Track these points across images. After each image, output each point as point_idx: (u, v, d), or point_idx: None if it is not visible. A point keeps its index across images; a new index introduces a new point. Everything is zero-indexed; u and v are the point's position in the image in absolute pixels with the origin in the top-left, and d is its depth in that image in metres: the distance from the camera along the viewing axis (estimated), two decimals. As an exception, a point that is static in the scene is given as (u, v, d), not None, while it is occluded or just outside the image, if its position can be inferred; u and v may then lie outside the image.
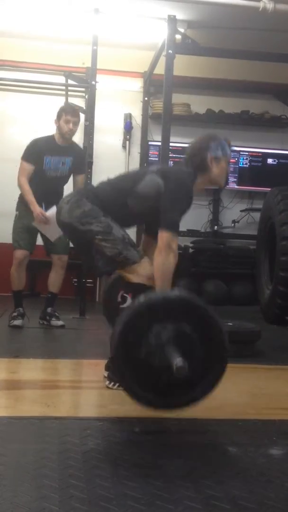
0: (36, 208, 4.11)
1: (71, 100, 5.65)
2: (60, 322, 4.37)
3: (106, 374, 2.78)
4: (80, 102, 5.98)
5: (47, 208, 4.11)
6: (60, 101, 5.68)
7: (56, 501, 1.59)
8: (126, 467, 1.86)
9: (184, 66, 5.42)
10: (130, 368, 2.20)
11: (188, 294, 2.39)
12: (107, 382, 2.74)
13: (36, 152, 4.22)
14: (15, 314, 4.29)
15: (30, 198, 4.15)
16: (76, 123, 4.26)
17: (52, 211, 3.96)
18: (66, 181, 4.37)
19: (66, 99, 5.55)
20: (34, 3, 5.11)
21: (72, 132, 4.24)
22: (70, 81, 5.63)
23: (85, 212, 2.60)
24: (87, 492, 1.66)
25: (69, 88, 5.62)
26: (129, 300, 2.64)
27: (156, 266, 2.51)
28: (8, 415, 2.31)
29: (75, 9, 5.15)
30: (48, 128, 6.08)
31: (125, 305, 2.67)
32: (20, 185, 4.21)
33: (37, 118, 6.29)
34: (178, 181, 2.64)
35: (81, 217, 2.60)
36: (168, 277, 2.47)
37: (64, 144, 4.27)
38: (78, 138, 6.11)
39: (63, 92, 5.59)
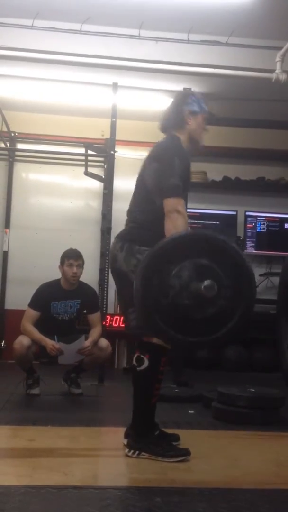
0: (48, 342, 4.05)
1: (91, 169, 5.79)
2: (78, 391, 4.30)
3: (125, 442, 2.71)
4: (100, 172, 6.15)
5: (60, 340, 4.14)
6: (80, 171, 5.86)
7: None
8: (147, 539, 1.78)
9: (200, 135, 5.57)
10: (161, 315, 2.17)
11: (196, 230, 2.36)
12: (127, 450, 2.66)
13: (43, 300, 4.21)
14: (30, 381, 4.23)
15: (38, 336, 4.07)
16: (80, 266, 4.23)
17: (67, 346, 4.13)
18: (77, 320, 4.36)
19: (86, 169, 5.69)
20: (56, 81, 5.39)
21: (77, 276, 4.22)
22: (90, 152, 5.79)
23: (140, 262, 2.52)
24: None
25: (89, 158, 5.77)
26: (146, 362, 2.55)
27: (167, 233, 2.38)
28: (26, 484, 2.23)
29: (94, 84, 5.40)
30: (68, 197, 6.41)
31: (142, 367, 2.56)
32: (24, 330, 4.12)
33: (58, 188, 6.50)
34: (164, 150, 2.62)
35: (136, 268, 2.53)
36: None
37: (70, 288, 4.26)
38: (97, 204, 6.34)
39: (83, 162, 5.74)
